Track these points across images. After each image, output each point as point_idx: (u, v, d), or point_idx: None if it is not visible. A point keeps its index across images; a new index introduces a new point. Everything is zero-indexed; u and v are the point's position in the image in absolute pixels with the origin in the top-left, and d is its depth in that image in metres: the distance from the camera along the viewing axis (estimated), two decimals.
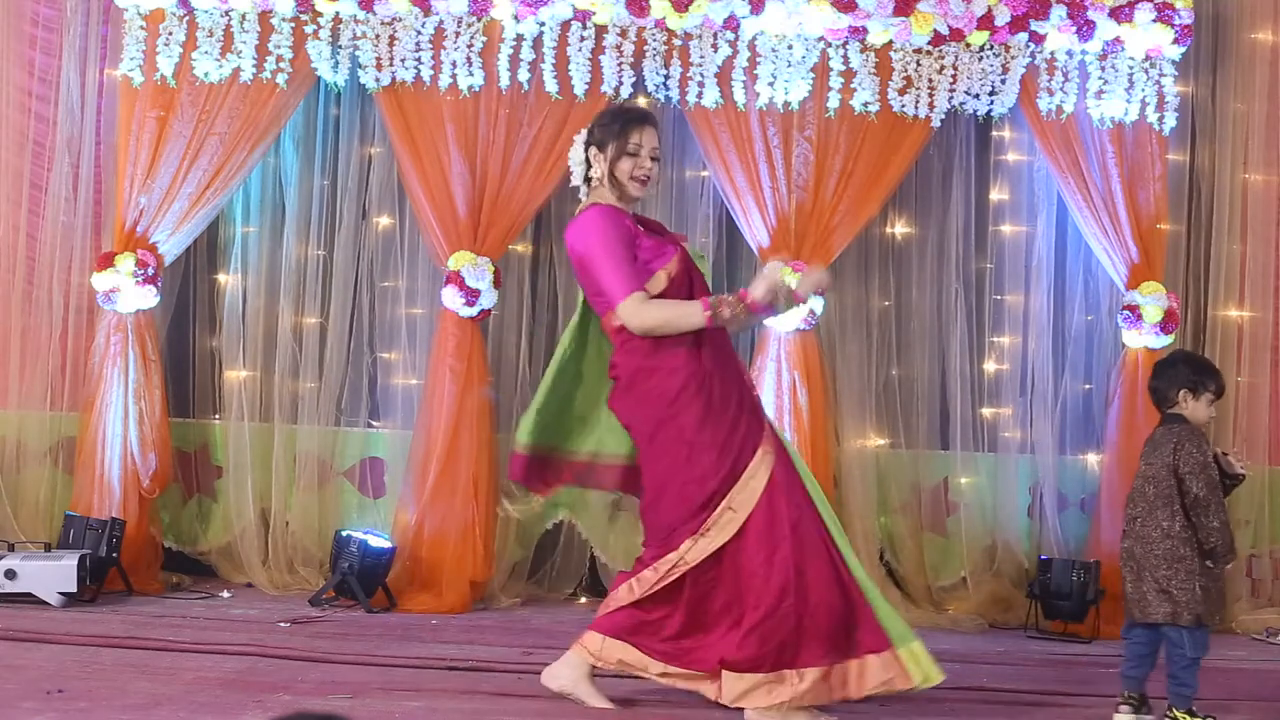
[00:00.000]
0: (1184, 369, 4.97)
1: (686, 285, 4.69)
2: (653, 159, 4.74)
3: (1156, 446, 4.93)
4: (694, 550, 4.58)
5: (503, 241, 7.03)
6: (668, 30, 7.00)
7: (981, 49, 7.04)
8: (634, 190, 4.73)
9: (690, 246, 4.99)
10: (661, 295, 4.60)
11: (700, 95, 7.01)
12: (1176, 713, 4.81)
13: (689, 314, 4.55)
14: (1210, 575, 4.84)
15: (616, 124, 4.74)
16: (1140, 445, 6.98)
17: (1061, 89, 7.08)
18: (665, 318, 4.56)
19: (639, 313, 4.56)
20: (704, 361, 4.59)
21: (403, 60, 7.00)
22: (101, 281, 6.96)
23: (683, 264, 4.71)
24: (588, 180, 4.80)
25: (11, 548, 6.69)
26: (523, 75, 6.99)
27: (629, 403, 4.68)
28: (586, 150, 4.77)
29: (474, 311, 6.95)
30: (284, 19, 7.00)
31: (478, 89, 7.01)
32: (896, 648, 4.59)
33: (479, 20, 6.98)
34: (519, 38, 6.98)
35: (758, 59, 7.00)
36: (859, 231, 7.19)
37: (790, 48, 7.01)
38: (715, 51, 7.00)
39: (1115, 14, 6.97)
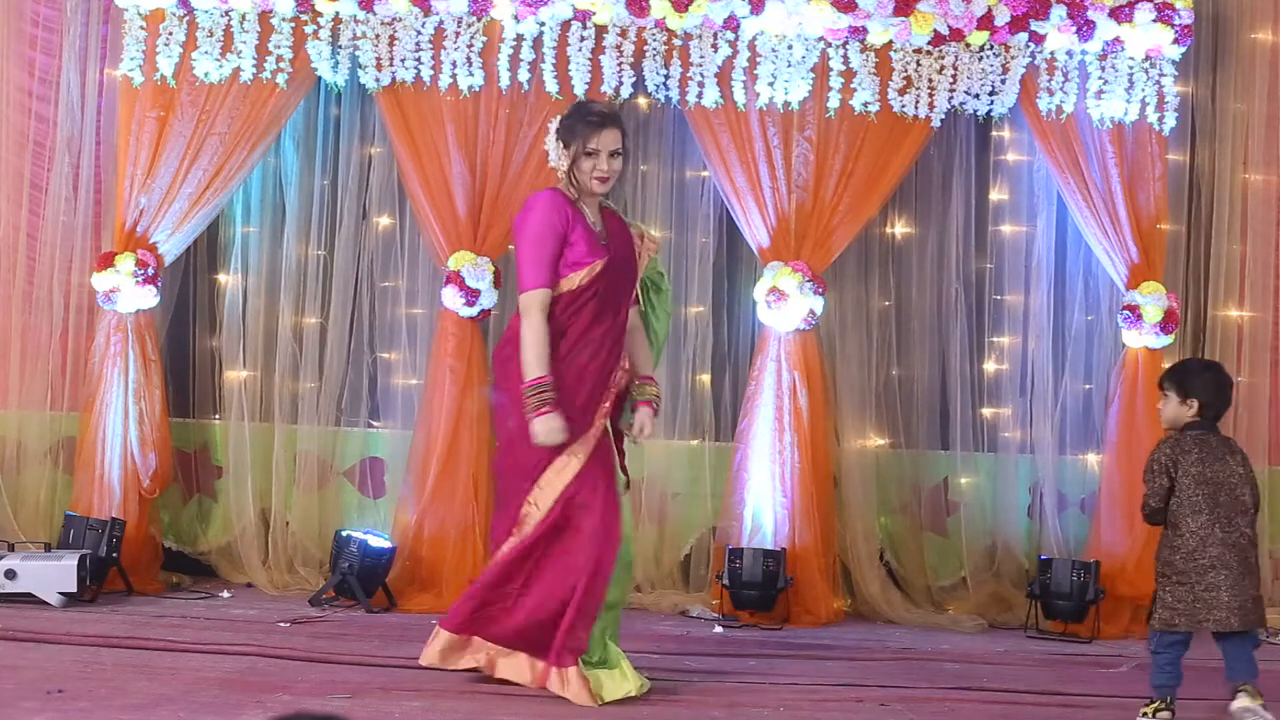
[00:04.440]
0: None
1: (595, 296, 4.95)
2: (614, 155, 4.99)
3: None
4: (507, 547, 4.99)
5: (503, 241, 7.02)
6: (668, 30, 7.00)
7: (981, 49, 7.04)
8: (596, 188, 5.00)
9: (654, 258, 5.22)
10: (571, 293, 4.92)
11: (700, 95, 7.00)
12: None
13: (531, 364, 4.87)
14: (1184, 582, 4.93)
15: (578, 125, 5.00)
16: (1140, 445, 7.04)
17: (1061, 89, 7.07)
18: (529, 343, 4.88)
19: (531, 312, 4.90)
20: (561, 361, 4.89)
21: (403, 60, 7.00)
22: (101, 281, 6.96)
23: (599, 277, 4.95)
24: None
25: (11, 548, 6.69)
26: (523, 75, 6.99)
27: (501, 362, 5.05)
28: (557, 140, 5.07)
29: (474, 311, 6.95)
30: (284, 19, 6.99)
31: (478, 89, 7.01)
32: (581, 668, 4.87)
33: (479, 20, 6.98)
34: (519, 38, 6.98)
35: (758, 59, 7.00)
36: (859, 231, 7.19)
37: (790, 48, 7.01)
38: (715, 51, 7.00)
39: (1115, 14, 6.96)
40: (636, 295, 5.19)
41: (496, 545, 5.08)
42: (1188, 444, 5.00)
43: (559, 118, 5.14)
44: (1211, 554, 4.89)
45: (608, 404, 5.00)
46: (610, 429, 5.05)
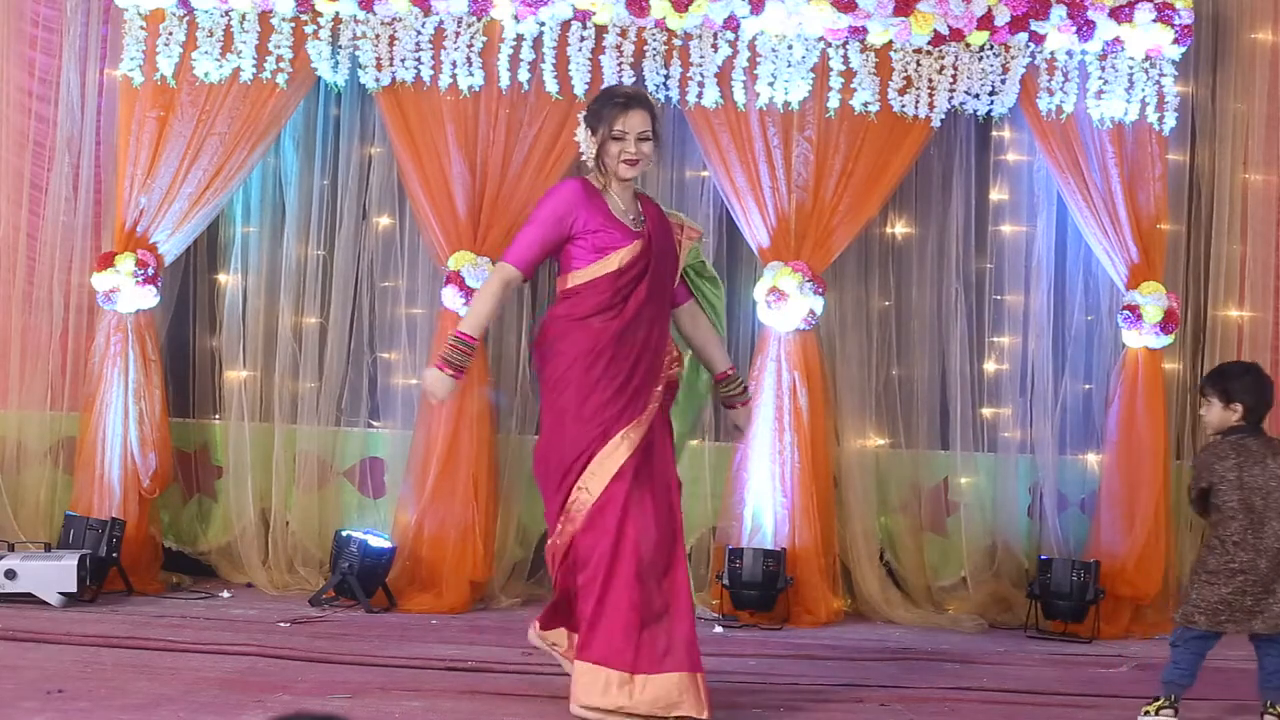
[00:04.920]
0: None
1: (644, 275, 4.75)
2: (642, 139, 4.78)
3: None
4: (561, 534, 4.72)
5: (503, 241, 6.98)
6: (668, 30, 7.00)
7: (981, 49, 7.04)
8: (623, 172, 4.80)
9: (695, 245, 5.02)
10: (605, 278, 4.72)
11: (700, 95, 7.00)
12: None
13: (468, 320, 4.84)
14: (1212, 583, 4.92)
15: (604, 109, 4.81)
16: (1140, 445, 7.04)
17: (1061, 89, 7.07)
18: (477, 302, 4.90)
19: (495, 280, 4.84)
20: (609, 336, 4.69)
21: (403, 60, 7.00)
22: (101, 281, 6.96)
23: (642, 257, 4.76)
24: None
25: (11, 548, 6.69)
26: (523, 75, 6.99)
27: (542, 351, 4.84)
28: (585, 128, 4.87)
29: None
30: (284, 19, 6.99)
31: (478, 89, 7.01)
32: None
33: (479, 20, 6.98)
34: (519, 38, 6.98)
35: (758, 59, 7.00)
36: (859, 231, 7.19)
37: (790, 48, 7.01)
38: (715, 51, 7.00)
39: (1115, 14, 6.96)
40: (687, 286, 5.03)
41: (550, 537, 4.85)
42: (1225, 450, 4.99)
43: (586, 108, 4.97)
44: (1242, 559, 4.88)
45: (660, 388, 4.79)
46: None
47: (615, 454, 4.63)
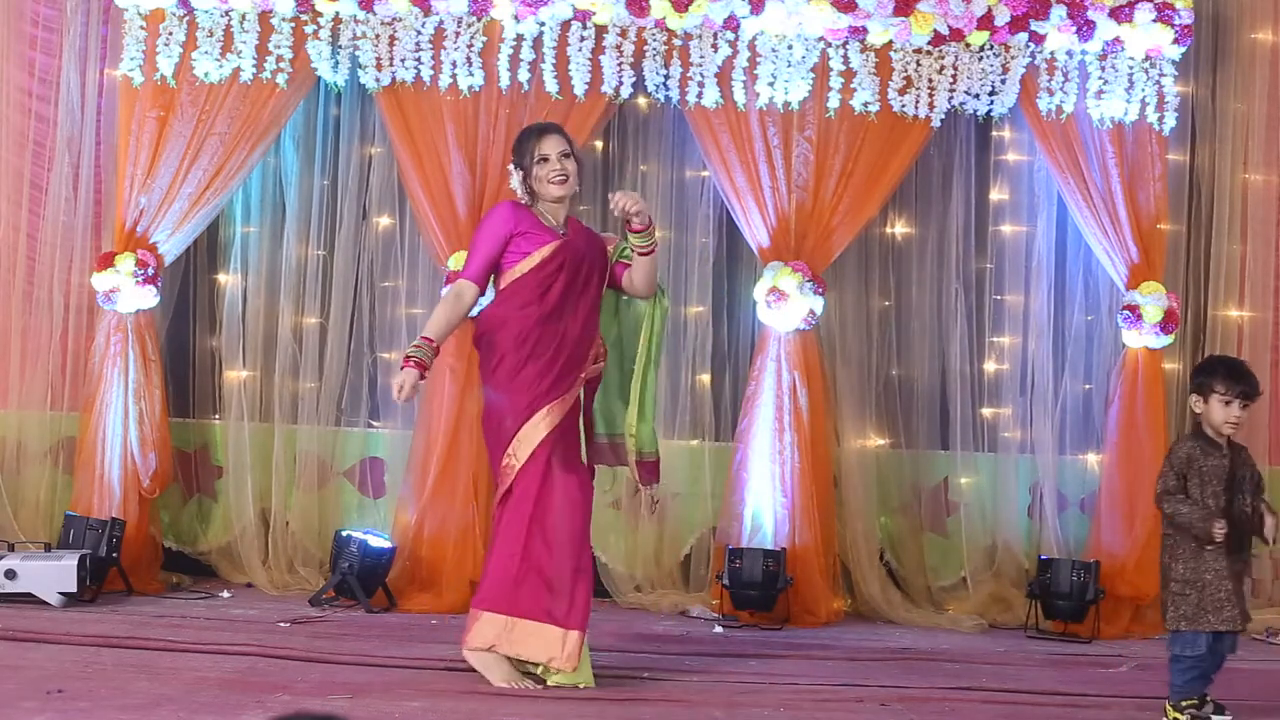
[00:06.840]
0: (1194, 375, 5.02)
1: (561, 269, 5.17)
2: (565, 157, 5.22)
3: None
4: (498, 492, 5.22)
5: None
6: (668, 30, 7.00)
7: (981, 49, 7.04)
8: (553, 192, 5.23)
9: (620, 244, 5.35)
10: (529, 273, 5.17)
11: (700, 95, 7.01)
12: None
13: (430, 324, 5.25)
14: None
15: (524, 143, 5.28)
16: (1140, 445, 7.04)
17: (1061, 89, 7.08)
18: (438, 309, 5.34)
19: (451, 294, 5.29)
20: (533, 321, 5.14)
21: (403, 60, 7.00)
22: (101, 281, 6.96)
23: (560, 252, 5.17)
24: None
25: (11, 548, 6.69)
26: (523, 75, 7.00)
27: (481, 344, 5.28)
28: (514, 169, 5.30)
29: (474, 312, 6.92)
30: (284, 19, 6.99)
31: (478, 89, 7.01)
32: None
33: (479, 20, 6.99)
34: (519, 38, 6.99)
35: (758, 59, 7.00)
36: (859, 231, 7.19)
37: (790, 48, 7.01)
38: (715, 51, 7.00)
39: (1115, 14, 6.97)
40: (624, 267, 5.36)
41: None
42: None
43: (511, 152, 5.36)
44: None
45: (583, 375, 5.19)
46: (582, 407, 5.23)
47: (538, 428, 5.07)
